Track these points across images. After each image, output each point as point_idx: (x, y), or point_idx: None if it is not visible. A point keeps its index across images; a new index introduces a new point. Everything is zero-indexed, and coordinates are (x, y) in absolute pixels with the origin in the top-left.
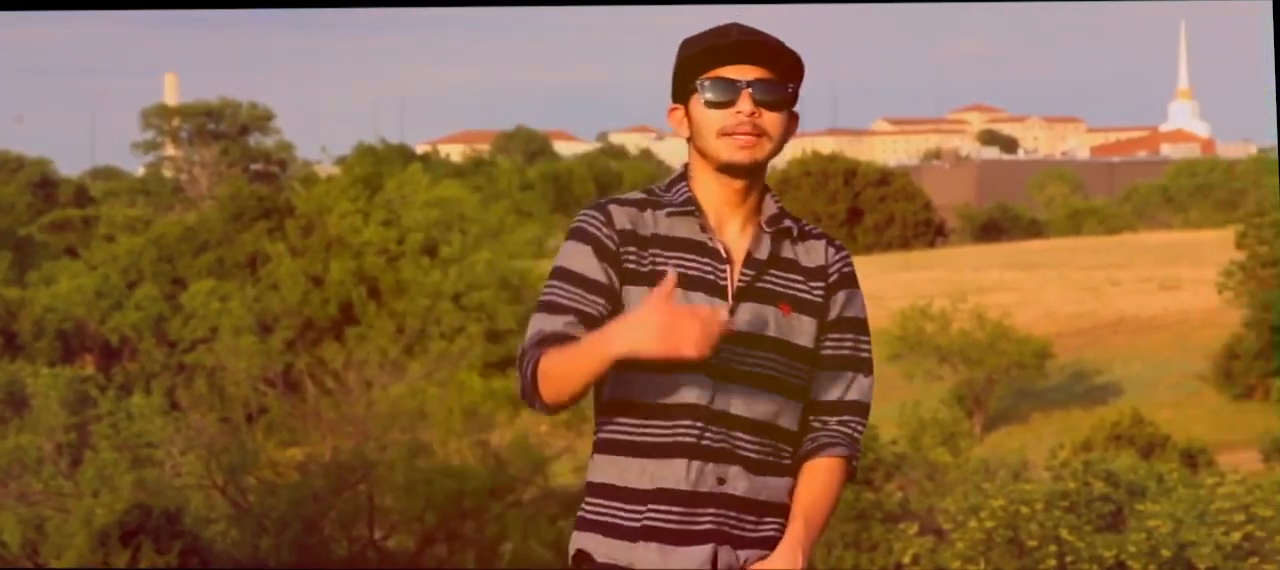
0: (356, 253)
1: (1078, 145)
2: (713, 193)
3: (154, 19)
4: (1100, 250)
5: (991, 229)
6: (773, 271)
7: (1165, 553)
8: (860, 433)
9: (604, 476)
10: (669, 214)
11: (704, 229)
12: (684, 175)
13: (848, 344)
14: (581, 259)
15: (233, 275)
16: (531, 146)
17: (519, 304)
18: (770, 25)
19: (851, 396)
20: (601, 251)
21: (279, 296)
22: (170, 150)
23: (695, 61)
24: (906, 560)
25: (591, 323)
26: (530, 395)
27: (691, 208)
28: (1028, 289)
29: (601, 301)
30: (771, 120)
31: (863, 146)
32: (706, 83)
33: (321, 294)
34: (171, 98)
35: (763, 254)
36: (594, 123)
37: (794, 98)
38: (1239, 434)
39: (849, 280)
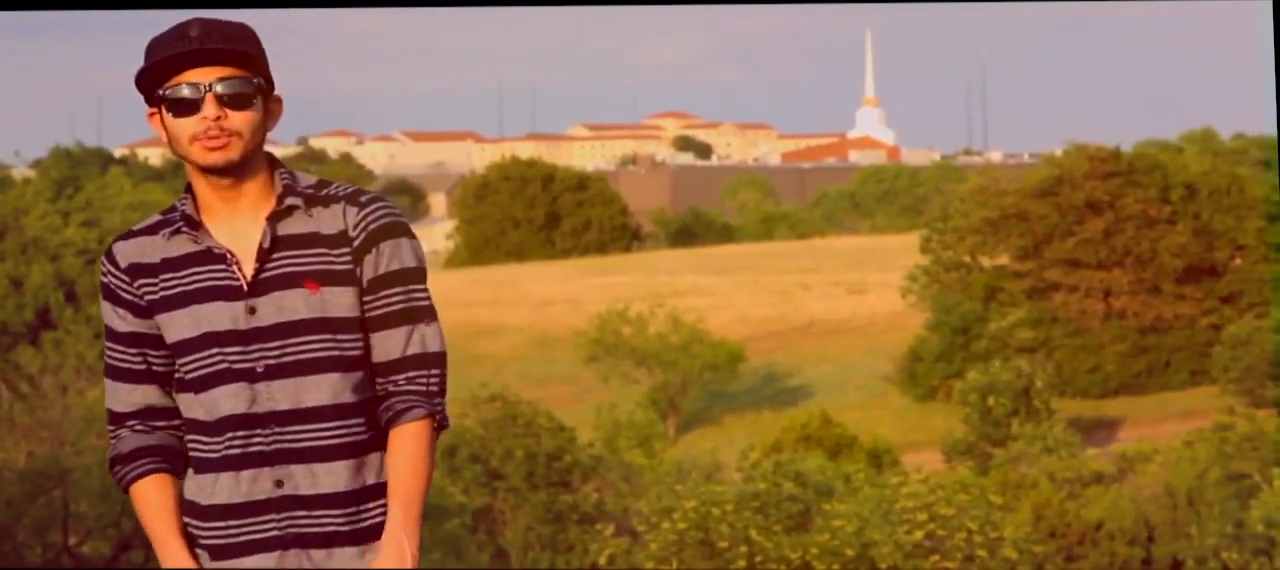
0: (54, 256)
1: (769, 151)
2: (209, 196)
3: None
4: (791, 255)
5: (686, 234)
6: (286, 253)
7: (850, 551)
8: (437, 383)
9: (187, 493)
10: (169, 235)
11: (196, 240)
12: (189, 187)
13: (397, 298)
14: (109, 315)
15: None
16: None
17: None
18: (471, 28)
19: (413, 350)
20: (117, 301)
21: None
22: None
23: (158, 69)
24: (602, 561)
25: (149, 377)
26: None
27: (183, 221)
28: (721, 293)
29: (141, 350)
30: (240, 118)
31: (560, 152)
32: (171, 90)
33: (18, 298)
34: None
35: (268, 242)
36: (294, 127)
37: (265, 89)
38: (922, 434)
39: (382, 234)
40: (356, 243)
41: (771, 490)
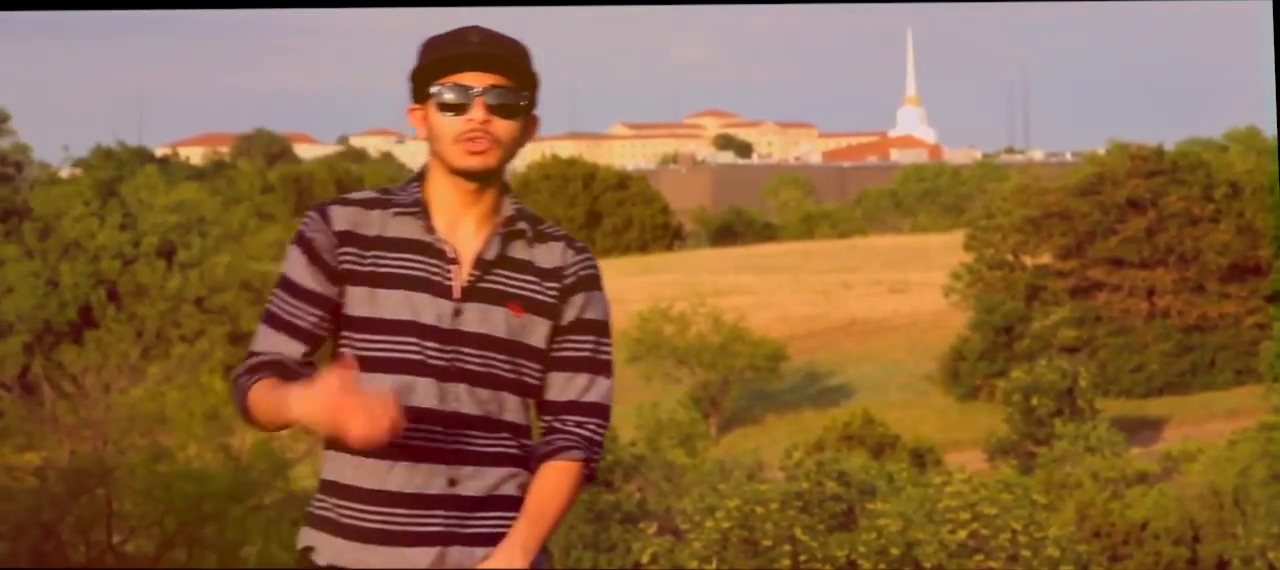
0: (93, 256)
1: (810, 150)
2: (447, 194)
3: None
4: (832, 254)
5: (727, 232)
6: (502, 272)
7: (894, 551)
8: (599, 434)
9: (333, 474)
10: (395, 214)
11: (428, 230)
12: (421, 175)
13: (587, 346)
14: (296, 267)
15: None
16: (272, 149)
17: (262, 306)
18: (511, 28)
19: (589, 398)
20: (313, 257)
21: (14, 300)
22: None
23: (433, 66)
24: (645, 559)
25: (303, 335)
26: (244, 417)
27: (416, 208)
28: (762, 292)
29: (314, 310)
30: (504, 127)
31: (601, 151)
32: (442, 88)
33: (59, 297)
34: None
35: (491, 255)
36: (334, 126)
37: (530, 105)
38: (965, 433)
39: (588, 283)
40: (567, 283)
41: (815, 489)
